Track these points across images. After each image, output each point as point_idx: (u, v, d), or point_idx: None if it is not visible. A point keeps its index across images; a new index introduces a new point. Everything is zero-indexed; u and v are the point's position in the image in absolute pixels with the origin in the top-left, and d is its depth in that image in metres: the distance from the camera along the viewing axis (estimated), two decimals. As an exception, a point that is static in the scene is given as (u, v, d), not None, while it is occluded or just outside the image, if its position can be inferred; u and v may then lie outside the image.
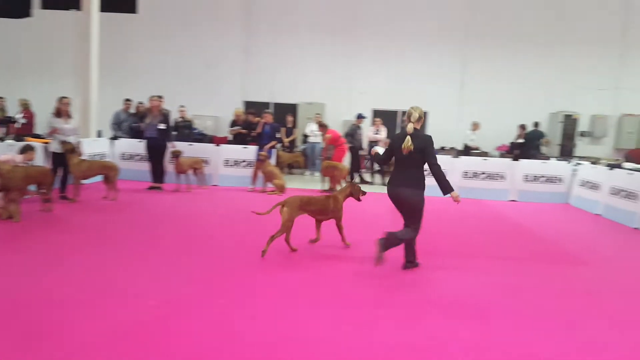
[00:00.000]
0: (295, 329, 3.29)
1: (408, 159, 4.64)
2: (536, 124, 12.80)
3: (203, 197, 8.71)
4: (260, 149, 9.68)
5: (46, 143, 8.16)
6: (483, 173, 10.14)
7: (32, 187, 6.49)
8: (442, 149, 13.65)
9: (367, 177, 11.97)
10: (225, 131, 12.62)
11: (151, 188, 9.11)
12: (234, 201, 8.50)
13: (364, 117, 11.66)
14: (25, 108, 11.84)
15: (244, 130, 10.65)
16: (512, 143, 12.87)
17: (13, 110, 12.33)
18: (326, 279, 4.45)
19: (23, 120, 11.61)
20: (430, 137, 4.72)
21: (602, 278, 4.87)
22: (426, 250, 5.19)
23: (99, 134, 11.57)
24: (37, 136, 10.21)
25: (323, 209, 5.36)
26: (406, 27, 14.33)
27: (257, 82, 14.63)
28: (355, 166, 11.54)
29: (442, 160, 9.96)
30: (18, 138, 9.38)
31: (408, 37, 14.37)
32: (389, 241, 4.56)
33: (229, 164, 10.38)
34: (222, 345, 3.00)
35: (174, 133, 11.44)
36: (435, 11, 14.30)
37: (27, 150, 6.77)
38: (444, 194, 4.70)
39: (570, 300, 4.11)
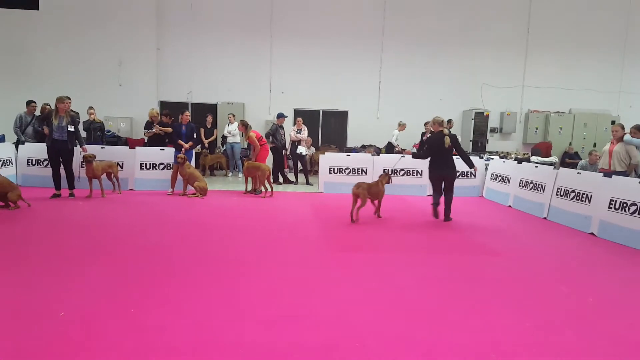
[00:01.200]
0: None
1: (446, 150, 7.21)
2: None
3: (118, 203, 8.32)
4: (178, 151, 9.40)
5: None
6: (402, 170, 10.52)
7: None
8: (363, 147, 14.06)
9: (290, 177, 12.02)
10: (141, 133, 12.14)
11: (54, 196, 8.54)
12: (151, 205, 8.18)
13: (284, 117, 11.69)
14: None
15: (161, 132, 10.26)
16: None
17: None
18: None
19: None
20: (455, 135, 7.42)
21: (511, 267, 5.12)
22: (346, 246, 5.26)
23: (2, 139, 10.70)
24: None
25: (377, 192, 7.45)
26: (326, 26, 14.56)
27: (173, 81, 14.21)
28: (279, 166, 11.56)
29: (362, 158, 10.59)
30: None
31: (327, 37, 14.62)
32: (448, 208, 7.41)
33: (146, 167, 9.99)
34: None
35: (84, 136, 10.82)
36: (354, 11, 14.66)
37: None
38: (470, 168, 7.69)
39: (479, 289, 4.30)
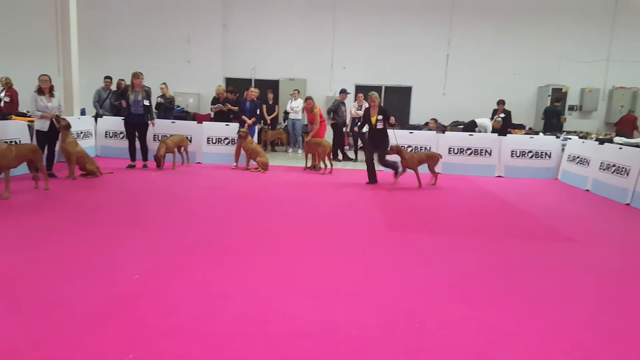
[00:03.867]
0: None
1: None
2: (557, 100, 12.64)
3: (187, 175, 8.66)
4: (241, 126, 9.58)
5: (31, 121, 8.10)
6: (469, 149, 10.08)
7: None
8: (426, 124, 13.59)
9: (350, 154, 11.93)
10: (208, 108, 12.50)
11: (129, 167, 9.06)
12: (216, 178, 8.46)
13: (347, 93, 11.52)
14: (8, 86, 11.64)
15: (225, 108, 10.53)
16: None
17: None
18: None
19: (6, 99, 11.43)
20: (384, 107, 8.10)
21: (589, 256, 4.78)
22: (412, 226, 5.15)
23: (82, 112, 11.43)
24: (22, 114, 10.10)
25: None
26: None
27: (238, 58, 14.41)
28: (339, 143, 11.47)
29: (426, 135, 10.24)
30: (2, 117, 9.29)
31: (391, 9, 14.13)
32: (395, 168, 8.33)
33: (212, 141, 10.30)
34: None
35: (156, 110, 11.33)
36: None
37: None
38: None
39: (553, 278, 4.02)
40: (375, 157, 8.31)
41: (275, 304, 3.25)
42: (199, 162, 10.16)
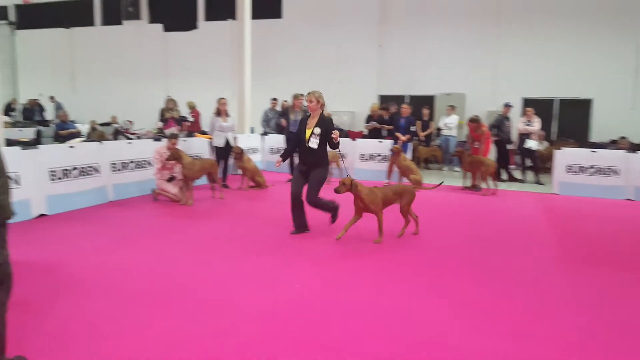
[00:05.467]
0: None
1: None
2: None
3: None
4: (395, 142, 9.49)
5: (210, 139, 9.24)
6: (591, 167, 8.74)
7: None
8: (613, 142, 11.76)
9: (516, 174, 10.87)
10: (361, 126, 12.72)
11: (289, 180, 9.63)
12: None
13: (511, 106, 10.63)
14: (192, 108, 13.47)
15: (378, 126, 10.60)
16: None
17: (184, 111, 14.19)
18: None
19: (191, 119, 13.26)
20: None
21: None
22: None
23: (252, 131, 12.63)
24: (203, 132, 11.59)
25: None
26: (563, 3, 12.65)
27: (392, 75, 14.44)
28: (503, 161, 10.55)
29: (612, 155, 8.88)
30: (189, 134, 10.81)
31: (567, 15, 12.66)
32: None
33: (365, 157, 10.43)
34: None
35: None
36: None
37: (172, 138, 7.66)
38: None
39: None
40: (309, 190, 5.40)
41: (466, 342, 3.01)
42: (351, 178, 10.33)
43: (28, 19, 18.61)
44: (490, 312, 3.41)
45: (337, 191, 5.07)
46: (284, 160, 5.63)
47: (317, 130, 5.21)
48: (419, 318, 3.28)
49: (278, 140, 11.07)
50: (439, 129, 12.39)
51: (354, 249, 4.98)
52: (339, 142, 5.25)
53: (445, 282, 4.02)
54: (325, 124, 5.25)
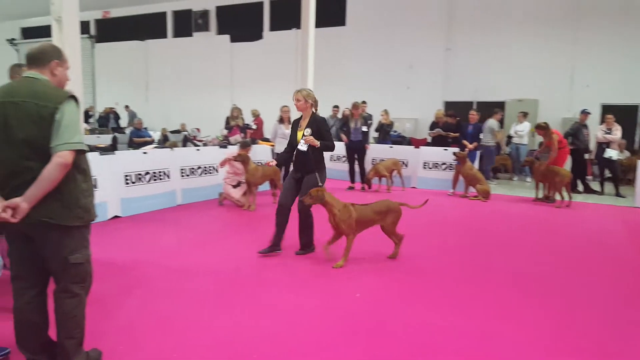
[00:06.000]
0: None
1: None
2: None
3: (401, 199, 8.65)
4: (461, 150, 9.15)
5: (272, 146, 9.40)
6: None
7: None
8: None
9: (594, 185, 10.12)
10: (425, 133, 12.41)
11: (349, 188, 9.59)
12: (431, 205, 8.21)
13: (589, 113, 9.92)
14: (256, 116, 13.79)
15: (444, 133, 10.26)
16: None
17: (248, 119, 14.57)
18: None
19: (254, 127, 13.58)
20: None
21: None
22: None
23: (311, 139, 12.67)
24: (266, 140, 11.82)
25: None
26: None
27: (459, 81, 13.96)
28: (579, 172, 9.86)
29: None
30: (252, 141, 11.08)
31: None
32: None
33: (428, 166, 10.13)
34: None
35: (375, 135, 11.85)
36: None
37: (245, 146, 7.82)
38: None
39: None
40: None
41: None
42: (413, 187, 10.08)
43: (106, 32, 19.98)
44: (569, 333, 3.14)
45: (303, 202, 4.44)
46: (279, 166, 5.39)
47: (308, 132, 4.68)
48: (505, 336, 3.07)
49: (338, 148, 11.04)
50: (509, 137, 11.83)
51: (411, 265, 4.81)
52: (327, 145, 4.71)
53: (517, 303, 3.76)
54: (317, 124, 4.73)
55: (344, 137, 9.43)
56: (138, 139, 11.67)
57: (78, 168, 2.35)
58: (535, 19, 13.00)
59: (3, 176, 2.27)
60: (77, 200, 2.37)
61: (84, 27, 19.43)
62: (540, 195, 8.72)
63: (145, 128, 13.52)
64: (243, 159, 7.14)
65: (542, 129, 8.81)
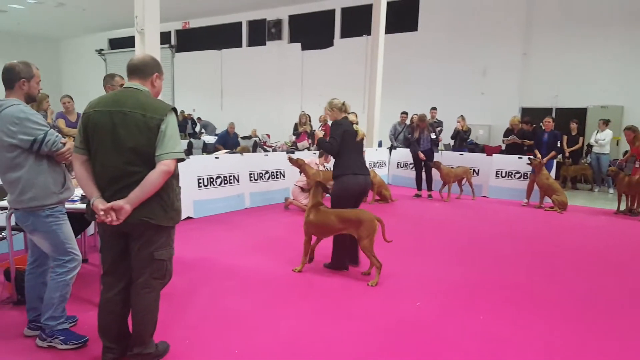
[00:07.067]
0: None
1: (359, 146, 4.61)
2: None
3: (470, 208, 8.39)
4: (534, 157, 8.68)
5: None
6: None
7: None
8: None
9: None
10: (498, 140, 11.89)
11: (415, 196, 9.42)
12: (503, 214, 7.88)
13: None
14: (324, 123, 13.98)
15: (518, 140, 9.78)
16: None
17: (316, 125, 14.79)
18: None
19: (322, 133, 13.75)
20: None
21: None
22: None
23: (380, 144, 12.63)
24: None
25: None
26: None
27: (538, 86, 13.17)
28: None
29: None
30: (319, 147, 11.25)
31: None
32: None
33: (501, 175, 9.69)
34: None
35: (451, 142, 11.65)
36: None
37: (323, 154, 7.95)
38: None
39: None
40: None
41: None
42: (484, 196, 9.69)
43: (185, 42, 21.19)
44: None
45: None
46: None
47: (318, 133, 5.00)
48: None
49: (405, 155, 10.91)
50: (589, 146, 11.03)
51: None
52: (321, 142, 4.61)
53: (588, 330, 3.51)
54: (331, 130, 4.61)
55: (421, 155, 9.14)
56: (223, 149, 10.55)
57: (174, 174, 2.55)
58: (618, 21, 12.00)
59: (106, 180, 2.47)
60: (173, 203, 2.59)
61: (165, 37, 20.77)
62: (623, 207, 8.06)
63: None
64: (299, 163, 7.22)
65: (631, 131, 8.18)
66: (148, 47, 6.33)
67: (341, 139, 4.41)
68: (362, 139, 4.60)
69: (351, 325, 3.31)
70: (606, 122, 10.56)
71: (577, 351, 3.04)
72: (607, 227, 7.11)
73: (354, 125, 4.59)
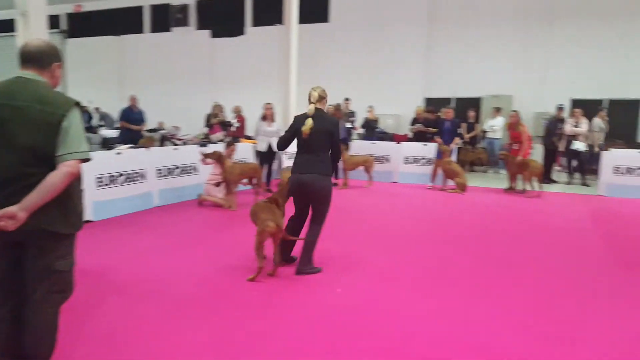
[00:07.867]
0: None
1: (313, 142, 4.12)
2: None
3: (376, 193, 8.77)
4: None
5: (254, 144, 9.30)
6: None
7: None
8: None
9: (561, 176, 10.60)
10: (406, 129, 12.53)
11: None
12: (409, 197, 8.36)
13: (562, 108, 10.29)
14: (238, 114, 13.64)
15: (424, 128, 10.42)
16: None
17: (230, 116, 14.39)
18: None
19: (237, 124, 13.43)
20: (337, 120, 4.56)
21: None
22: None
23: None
24: (248, 138, 11.70)
25: None
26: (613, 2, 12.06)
27: (438, 77, 14.12)
28: (549, 164, 10.30)
29: None
30: (234, 139, 10.94)
31: (616, 15, 12.17)
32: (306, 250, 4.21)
33: (409, 161, 10.26)
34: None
35: (360, 132, 11.99)
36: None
37: (230, 145, 7.76)
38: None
39: None
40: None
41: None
42: (395, 182, 10.20)
43: (79, 27, 19.29)
44: (535, 314, 3.23)
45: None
46: None
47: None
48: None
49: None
50: (484, 132, 12.07)
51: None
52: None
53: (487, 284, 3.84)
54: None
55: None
56: (129, 125, 10.09)
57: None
58: (510, 16, 13.25)
59: None
60: (75, 208, 2.32)
61: (54, 21, 18.90)
62: (517, 186, 9.07)
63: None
64: (217, 156, 7.01)
65: (516, 114, 9.32)
66: (32, 32, 5.66)
67: (291, 135, 4.28)
68: (315, 135, 4.10)
69: (280, 319, 3.30)
70: (498, 110, 11.58)
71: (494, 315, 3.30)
72: (501, 203, 8.03)
73: (308, 120, 4.14)
